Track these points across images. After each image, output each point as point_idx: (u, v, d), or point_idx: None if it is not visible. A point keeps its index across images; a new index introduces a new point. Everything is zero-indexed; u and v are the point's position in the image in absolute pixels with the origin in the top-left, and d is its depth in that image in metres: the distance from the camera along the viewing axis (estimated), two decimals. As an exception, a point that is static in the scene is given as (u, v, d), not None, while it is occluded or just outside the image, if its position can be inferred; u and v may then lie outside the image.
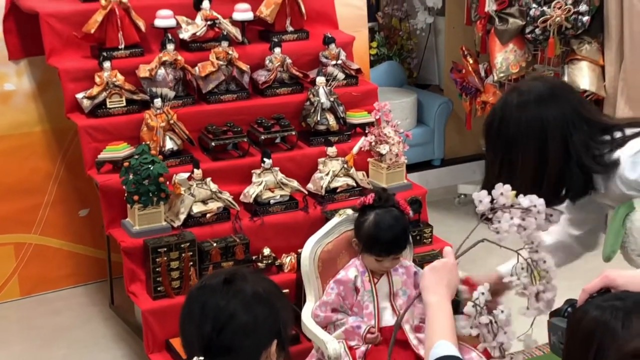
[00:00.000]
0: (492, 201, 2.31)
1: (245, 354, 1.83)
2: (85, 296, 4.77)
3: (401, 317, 2.35)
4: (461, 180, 6.09)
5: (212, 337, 1.82)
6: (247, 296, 1.86)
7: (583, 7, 5.09)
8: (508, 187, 2.29)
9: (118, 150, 4.01)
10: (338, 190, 4.22)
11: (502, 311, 2.22)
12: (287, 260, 4.03)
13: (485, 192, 2.31)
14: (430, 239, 4.29)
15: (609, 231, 2.56)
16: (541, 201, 2.29)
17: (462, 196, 5.94)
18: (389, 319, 3.39)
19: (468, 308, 2.25)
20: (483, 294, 2.30)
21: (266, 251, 4.01)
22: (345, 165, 4.26)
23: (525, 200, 2.30)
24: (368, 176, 4.37)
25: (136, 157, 3.83)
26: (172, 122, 4.05)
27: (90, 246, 4.83)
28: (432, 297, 2.15)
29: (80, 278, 4.86)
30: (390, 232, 3.35)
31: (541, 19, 5.08)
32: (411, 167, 5.77)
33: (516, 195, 2.24)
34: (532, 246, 2.31)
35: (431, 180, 5.95)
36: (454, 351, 2.04)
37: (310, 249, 3.51)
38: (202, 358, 1.80)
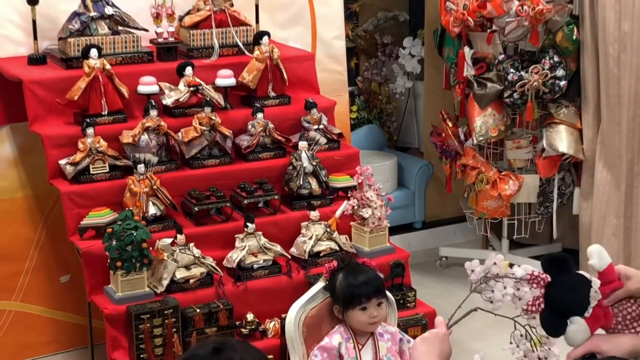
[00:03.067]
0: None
1: None
2: (65, 364, 4.72)
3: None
4: (442, 243, 6.12)
5: None
6: None
7: (560, 72, 5.19)
8: (501, 256, 2.31)
9: (101, 216, 4.00)
10: (321, 254, 4.22)
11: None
12: (271, 325, 4.01)
13: (477, 261, 2.33)
14: (413, 303, 4.29)
15: None
16: (535, 271, 2.31)
17: (444, 259, 5.96)
18: (372, 386, 3.37)
19: None
20: (480, 362, 2.31)
21: (250, 316, 3.99)
22: (328, 229, 4.27)
23: (520, 270, 2.32)
24: (351, 240, 4.38)
25: (119, 222, 3.83)
26: (155, 187, 4.06)
27: (71, 312, 4.79)
28: None
29: (61, 345, 4.80)
30: (362, 275, 3.38)
31: (519, 83, 5.16)
32: (392, 230, 5.77)
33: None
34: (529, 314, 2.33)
35: (412, 243, 5.97)
36: None
37: (294, 314, 3.49)
38: None
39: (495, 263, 2.35)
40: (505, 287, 2.34)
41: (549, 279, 2.24)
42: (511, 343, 2.41)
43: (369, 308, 3.37)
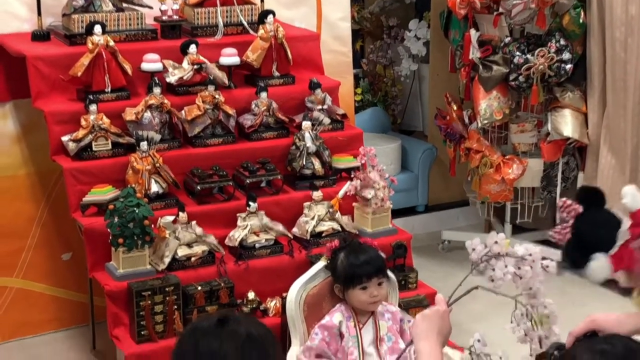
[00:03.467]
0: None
1: None
2: (66, 341, 4.71)
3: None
4: (445, 227, 6.10)
5: None
6: (241, 338, 1.85)
7: (566, 56, 5.16)
8: (502, 235, 2.30)
9: (103, 193, 4.00)
10: (323, 235, 4.21)
11: (500, 357, 2.22)
12: (272, 304, 4.00)
13: (478, 239, 2.32)
14: (415, 284, 4.28)
15: None
16: (537, 249, 2.30)
17: (446, 242, 5.95)
18: (373, 365, 3.37)
19: (465, 355, 2.25)
20: (479, 340, 2.30)
21: (251, 295, 3.98)
22: (331, 210, 4.26)
23: (521, 249, 2.31)
24: (353, 221, 4.37)
25: (121, 199, 3.82)
26: (157, 165, 4.05)
27: (72, 290, 4.78)
28: (423, 344, 2.15)
29: (62, 323, 4.80)
30: (364, 255, 3.39)
31: (525, 66, 5.14)
32: (395, 213, 5.75)
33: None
34: (530, 292, 2.32)
35: (415, 226, 5.96)
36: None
37: (295, 292, 3.49)
38: None
39: (496, 242, 2.35)
40: (506, 266, 2.33)
41: (581, 210, 2.20)
42: (512, 322, 2.40)
43: (369, 287, 3.37)
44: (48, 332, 4.77)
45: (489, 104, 5.29)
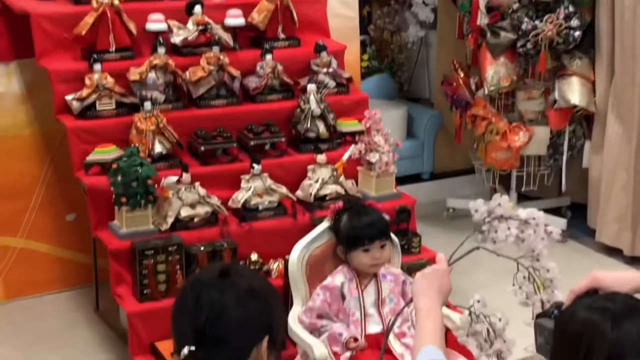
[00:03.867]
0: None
1: (235, 347, 1.82)
2: (70, 301, 4.73)
3: (391, 327, 2.33)
4: (450, 194, 6.08)
5: (205, 328, 1.81)
6: (242, 290, 1.85)
7: (575, 22, 5.12)
8: (506, 197, 2.27)
9: (107, 152, 3.99)
10: (327, 198, 4.20)
11: (499, 319, 2.21)
12: (275, 266, 4.01)
13: (481, 200, 2.30)
14: (418, 249, 4.28)
15: None
16: (540, 214, 2.28)
17: (451, 210, 5.93)
18: (375, 327, 3.37)
19: (464, 316, 2.24)
20: (478, 301, 2.28)
21: (254, 256, 3.98)
22: (335, 173, 4.24)
23: (524, 212, 2.29)
24: (357, 184, 4.36)
25: (125, 159, 3.81)
26: (161, 125, 4.04)
27: (76, 251, 4.79)
28: (422, 302, 2.13)
29: (66, 283, 4.81)
30: (367, 217, 3.39)
31: (533, 33, 5.10)
32: (401, 180, 5.75)
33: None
34: (533, 255, 2.30)
35: (420, 194, 5.91)
36: (440, 356, 2.02)
37: (298, 253, 3.49)
38: (193, 348, 1.78)
39: (499, 204, 2.32)
40: (509, 229, 2.31)
41: None
42: (514, 285, 2.39)
43: (371, 250, 3.36)
44: (52, 292, 4.78)
45: (496, 71, 5.26)
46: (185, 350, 1.77)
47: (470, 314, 2.29)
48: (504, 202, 2.31)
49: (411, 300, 2.17)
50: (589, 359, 1.81)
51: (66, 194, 4.69)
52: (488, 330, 2.25)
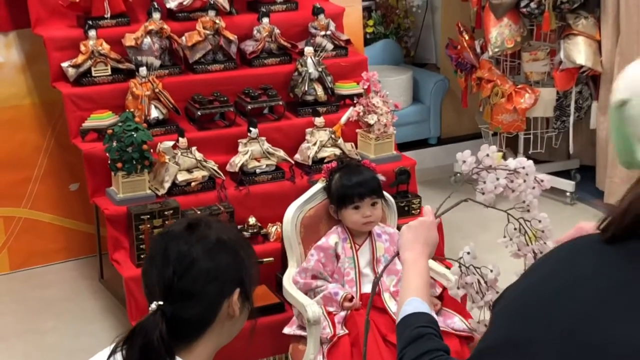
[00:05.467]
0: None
1: (205, 300, 1.78)
2: (75, 270, 4.75)
3: (378, 279, 2.30)
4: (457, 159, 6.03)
5: (173, 282, 1.77)
6: (210, 242, 1.82)
7: (579, -20, 5.04)
8: (494, 147, 2.24)
9: (102, 118, 3.99)
10: (325, 161, 4.17)
11: (490, 270, 2.18)
12: (273, 229, 3.99)
13: (468, 151, 2.26)
14: (418, 210, 4.25)
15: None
16: (530, 162, 2.24)
17: (458, 174, 5.88)
18: (370, 286, 3.35)
19: (454, 268, 2.21)
20: (468, 253, 2.26)
21: (251, 220, 3.97)
22: (333, 136, 4.22)
23: (513, 162, 2.25)
24: (356, 147, 4.33)
25: (120, 124, 3.80)
26: (157, 90, 4.02)
27: (80, 221, 4.80)
28: (408, 254, 2.10)
29: (71, 253, 4.83)
30: (358, 176, 3.37)
31: (536, -8, 5.02)
32: (407, 146, 5.73)
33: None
34: (524, 206, 2.26)
35: (427, 159, 5.90)
36: (424, 308, 1.98)
37: (292, 214, 3.48)
38: (161, 303, 1.75)
39: (487, 154, 2.29)
40: (497, 179, 2.27)
41: None
42: (505, 237, 2.35)
43: (362, 207, 3.34)
44: (56, 262, 4.80)
45: (500, 32, 5.19)
46: (154, 306, 1.72)
47: (460, 266, 2.27)
48: (492, 152, 2.27)
49: (398, 253, 2.15)
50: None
51: (69, 164, 4.69)
52: (479, 282, 2.22)
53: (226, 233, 1.86)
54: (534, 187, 2.28)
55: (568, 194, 5.51)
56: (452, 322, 3.26)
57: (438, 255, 2.56)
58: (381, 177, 3.53)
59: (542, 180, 2.31)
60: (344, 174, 3.40)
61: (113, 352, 1.70)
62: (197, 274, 1.77)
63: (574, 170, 5.77)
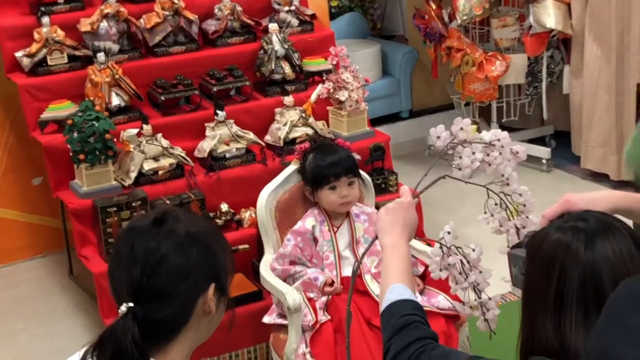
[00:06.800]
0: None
1: (179, 299, 1.65)
2: (43, 268, 4.59)
3: (359, 264, 2.19)
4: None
5: (142, 282, 1.64)
6: (180, 237, 1.68)
7: (545, -58, 4.92)
8: (468, 120, 2.13)
9: (61, 108, 3.83)
10: (297, 141, 4.03)
11: (473, 249, 2.07)
12: (246, 215, 3.85)
13: (442, 126, 2.16)
14: (395, 187, 4.13)
15: None
16: (505, 134, 2.14)
17: (432, 147, 5.76)
18: (350, 269, 3.23)
19: (435, 249, 2.10)
20: (449, 233, 2.15)
21: (224, 207, 3.83)
22: (304, 115, 4.08)
23: (488, 134, 2.15)
24: (328, 125, 4.20)
25: (80, 114, 3.64)
26: (117, 77, 3.86)
27: (46, 216, 4.65)
28: (387, 238, 1.99)
29: (37, 249, 4.68)
30: (332, 155, 3.27)
31: (502, -45, 4.90)
32: (378, 120, 5.60)
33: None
34: (503, 179, 2.16)
35: (400, 133, 5.78)
36: (408, 295, 1.87)
37: (265, 198, 3.35)
38: (131, 304, 1.61)
39: (462, 128, 2.18)
40: (473, 153, 2.17)
41: None
42: (485, 213, 2.25)
43: (338, 187, 3.22)
44: (23, 260, 4.65)
45: (467, 0, 5.07)
46: (123, 308, 1.59)
47: (441, 246, 2.15)
48: (466, 125, 2.16)
49: (377, 237, 2.03)
50: (563, 283, 1.68)
51: (30, 158, 4.53)
52: (462, 262, 2.11)
53: (196, 225, 1.73)
54: (509, 160, 2.19)
55: (544, 161, 5.42)
56: (437, 301, 3.16)
57: (418, 235, 2.46)
58: (356, 156, 3.41)
59: (517, 153, 2.21)
60: (318, 154, 3.27)
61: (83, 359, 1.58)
62: (168, 271, 1.64)
63: (548, 137, 5.69)
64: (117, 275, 1.69)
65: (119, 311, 1.60)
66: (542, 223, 1.97)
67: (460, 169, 2.16)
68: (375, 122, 4.65)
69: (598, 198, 2.06)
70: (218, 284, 1.68)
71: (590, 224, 1.71)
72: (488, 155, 2.15)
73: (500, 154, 2.15)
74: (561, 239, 1.70)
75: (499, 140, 2.16)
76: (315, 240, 3.27)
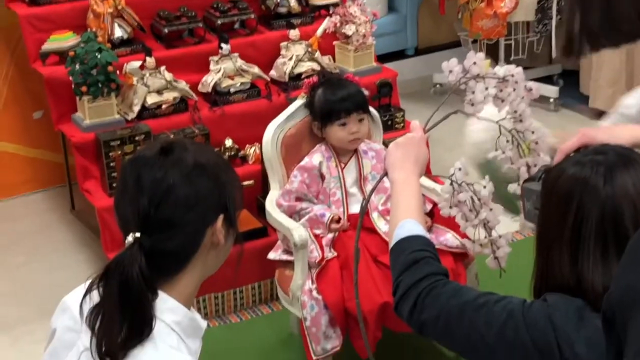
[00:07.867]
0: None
1: (187, 230, 1.61)
2: (44, 202, 4.55)
3: (367, 201, 2.15)
4: (436, 70, 5.81)
5: (149, 212, 1.59)
6: (188, 167, 1.64)
7: None
8: (481, 55, 2.06)
9: (63, 39, 3.76)
10: (303, 76, 3.96)
11: (484, 186, 2.02)
12: (251, 151, 3.80)
13: (455, 60, 2.09)
14: (402, 124, 4.07)
15: None
16: (519, 70, 2.08)
17: (438, 85, 5.71)
18: (358, 206, 3.20)
19: (445, 186, 2.05)
20: (460, 169, 2.10)
21: (228, 142, 3.78)
22: (310, 49, 4.01)
23: (502, 70, 2.08)
24: (335, 60, 4.12)
25: (82, 45, 3.56)
26: (120, 7, 3.79)
27: (47, 150, 4.58)
28: (397, 174, 1.93)
29: (39, 184, 4.62)
30: (342, 90, 3.20)
31: None
32: (384, 57, 5.50)
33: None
34: (516, 116, 2.11)
35: (405, 71, 5.67)
36: (419, 230, 1.83)
37: (271, 133, 3.29)
38: (138, 235, 1.57)
39: (475, 63, 2.11)
40: (487, 88, 2.11)
41: None
42: (496, 150, 2.20)
43: (348, 123, 3.17)
44: (25, 194, 4.60)
45: None
46: (130, 238, 1.55)
47: (452, 183, 2.10)
48: (479, 60, 2.10)
49: (386, 173, 1.98)
50: (581, 219, 1.64)
51: (31, 91, 4.45)
52: (472, 199, 2.06)
53: (204, 155, 1.68)
54: (523, 97, 2.13)
55: (552, 100, 5.35)
56: (445, 239, 3.12)
57: (426, 172, 2.43)
58: (365, 92, 3.35)
59: (530, 89, 2.16)
60: (328, 89, 3.21)
61: (88, 291, 1.55)
62: (176, 201, 1.60)
63: (556, 76, 5.61)
64: (123, 206, 1.65)
65: (126, 242, 1.56)
66: (558, 158, 1.91)
67: (472, 105, 2.11)
68: (379, 59, 4.57)
69: (618, 131, 2.00)
70: (226, 215, 1.64)
71: (610, 157, 1.66)
72: (501, 91, 2.10)
73: (514, 90, 2.10)
74: (579, 173, 1.65)
75: (512, 75, 2.10)
76: (322, 177, 3.22)
